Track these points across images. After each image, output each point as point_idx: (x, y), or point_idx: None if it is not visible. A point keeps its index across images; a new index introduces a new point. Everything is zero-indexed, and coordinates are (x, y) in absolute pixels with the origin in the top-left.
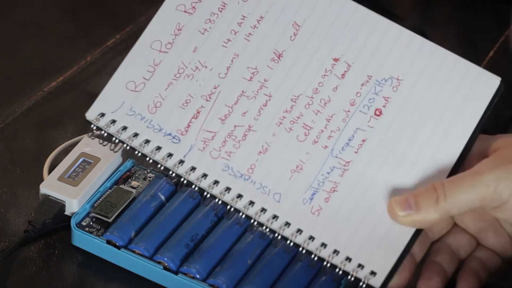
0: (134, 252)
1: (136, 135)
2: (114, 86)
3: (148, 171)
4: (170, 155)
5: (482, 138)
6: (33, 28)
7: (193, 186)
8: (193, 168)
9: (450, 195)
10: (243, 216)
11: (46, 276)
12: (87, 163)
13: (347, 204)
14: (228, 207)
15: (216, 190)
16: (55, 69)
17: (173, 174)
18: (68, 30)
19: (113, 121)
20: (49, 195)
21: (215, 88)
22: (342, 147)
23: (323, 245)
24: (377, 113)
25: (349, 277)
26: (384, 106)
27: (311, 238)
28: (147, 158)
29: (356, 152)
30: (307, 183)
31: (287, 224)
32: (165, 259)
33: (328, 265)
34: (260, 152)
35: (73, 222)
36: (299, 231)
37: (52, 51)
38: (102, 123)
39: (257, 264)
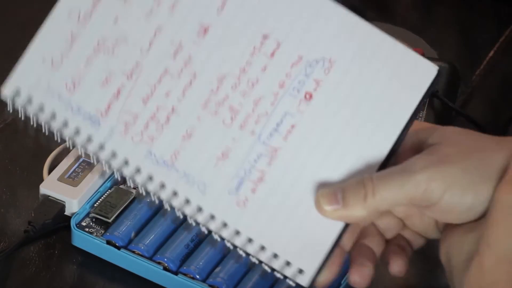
0: (134, 252)
1: (54, 116)
2: (31, 60)
3: None
4: (90, 139)
5: (417, 128)
6: (33, 28)
7: (115, 174)
8: (114, 154)
9: (378, 192)
10: (168, 207)
11: (46, 276)
12: (87, 164)
13: (274, 195)
14: (152, 197)
15: (138, 179)
16: None
17: (94, 161)
18: None
19: (30, 100)
20: (49, 195)
21: (136, 65)
22: (270, 132)
23: (249, 240)
24: (307, 97)
25: (276, 274)
26: (314, 90)
27: (237, 232)
28: (66, 142)
29: (284, 139)
30: (233, 171)
31: (213, 217)
32: (165, 259)
33: (257, 262)
34: (184, 136)
35: (73, 223)
36: (225, 224)
37: None
38: (19, 101)
39: (257, 265)
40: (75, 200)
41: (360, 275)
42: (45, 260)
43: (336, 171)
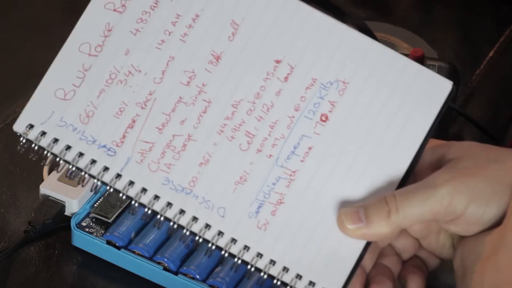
0: (134, 252)
1: (68, 147)
2: (42, 94)
3: None
4: (106, 169)
5: (434, 145)
6: (33, 28)
7: (133, 202)
8: (131, 183)
9: (402, 209)
10: (187, 233)
11: (46, 277)
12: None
13: (294, 217)
14: (171, 223)
15: (157, 206)
16: None
17: (111, 189)
18: (68, 30)
19: (43, 133)
20: (49, 196)
21: (150, 94)
22: (288, 155)
23: (272, 262)
24: (323, 118)
25: None
26: (330, 111)
27: (259, 255)
28: (83, 172)
29: (302, 161)
30: (252, 195)
31: (234, 240)
32: (165, 259)
33: (279, 283)
34: (201, 163)
35: (73, 223)
36: (246, 247)
37: (52, 51)
38: (31, 135)
39: None
40: (75, 200)
41: None
42: (45, 260)
43: (355, 190)
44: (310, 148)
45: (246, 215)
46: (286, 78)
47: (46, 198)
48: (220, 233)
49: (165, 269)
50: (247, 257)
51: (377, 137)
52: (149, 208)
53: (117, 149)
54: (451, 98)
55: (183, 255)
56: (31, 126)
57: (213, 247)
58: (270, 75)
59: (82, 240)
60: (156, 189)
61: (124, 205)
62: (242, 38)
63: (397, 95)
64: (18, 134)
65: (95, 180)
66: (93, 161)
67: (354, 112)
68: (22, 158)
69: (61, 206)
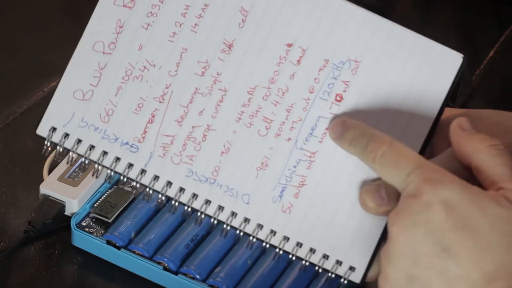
0: (134, 252)
1: (92, 147)
2: (61, 96)
3: None
4: (130, 165)
5: (449, 115)
6: (33, 28)
7: (160, 196)
8: (156, 177)
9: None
10: (215, 222)
11: (46, 277)
12: (87, 164)
13: (317, 197)
14: (198, 214)
15: (183, 198)
16: (55, 69)
17: (137, 185)
18: (68, 30)
19: (67, 135)
20: (49, 196)
21: (166, 87)
22: (306, 137)
23: (299, 244)
24: (338, 98)
25: (328, 274)
26: (344, 91)
27: (286, 238)
28: (108, 170)
29: (320, 142)
30: (275, 180)
31: (260, 226)
32: (165, 259)
33: (307, 264)
34: (223, 152)
35: (73, 223)
36: (273, 232)
37: (52, 51)
38: (55, 138)
39: (257, 265)
40: (75, 200)
41: None
42: (45, 260)
43: None
44: (327, 129)
45: (270, 200)
46: (298, 61)
47: (46, 198)
48: (247, 220)
49: (165, 269)
50: (274, 241)
51: (392, 112)
52: (175, 201)
53: (139, 145)
54: (463, 69)
55: (183, 255)
56: (53, 129)
57: (241, 234)
58: (282, 59)
59: (82, 240)
60: (181, 182)
61: (124, 205)
62: (252, 24)
63: (409, 70)
64: (42, 137)
65: (121, 177)
66: (118, 159)
67: (368, 90)
68: (22, 158)
69: (61, 206)
